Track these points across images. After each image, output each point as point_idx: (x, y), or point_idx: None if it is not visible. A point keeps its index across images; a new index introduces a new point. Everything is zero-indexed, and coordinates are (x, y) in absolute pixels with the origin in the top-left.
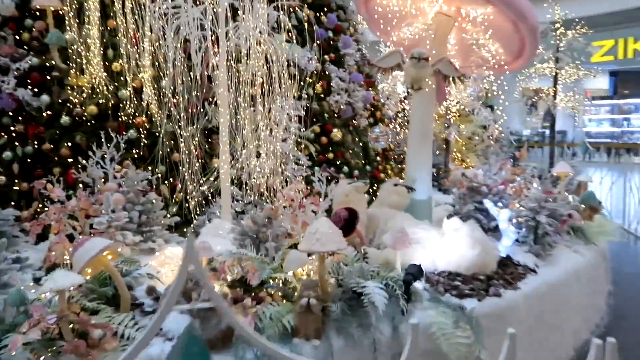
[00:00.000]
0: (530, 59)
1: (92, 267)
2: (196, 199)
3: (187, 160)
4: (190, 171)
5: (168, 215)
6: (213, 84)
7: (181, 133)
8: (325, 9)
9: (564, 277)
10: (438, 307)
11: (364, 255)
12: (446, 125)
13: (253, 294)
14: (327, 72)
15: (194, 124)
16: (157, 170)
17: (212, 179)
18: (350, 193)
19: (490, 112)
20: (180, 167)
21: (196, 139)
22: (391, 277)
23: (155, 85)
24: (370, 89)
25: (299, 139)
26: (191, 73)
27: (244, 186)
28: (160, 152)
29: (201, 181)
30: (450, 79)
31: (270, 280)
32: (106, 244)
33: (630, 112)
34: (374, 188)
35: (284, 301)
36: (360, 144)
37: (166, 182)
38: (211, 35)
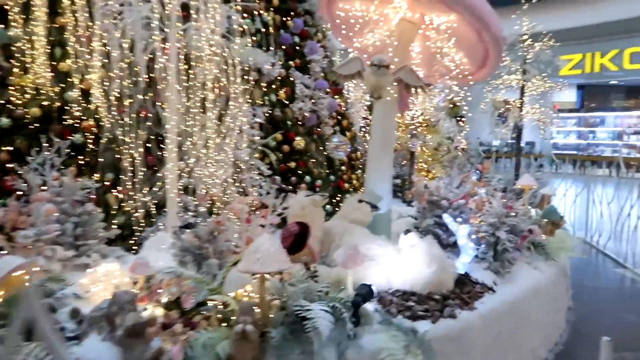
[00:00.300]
0: (494, 69)
1: (2, 288)
2: (142, 210)
3: (131, 167)
4: (134, 179)
5: (114, 227)
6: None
7: (124, 139)
8: (292, 13)
9: (523, 295)
10: (389, 330)
11: (313, 274)
12: (410, 135)
13: (188, 318)
14: (291, 79)
15: (142, 129)
16: (104, 177)
17: (158, 188)
18: (307, 206)
19: (454, 123)
20: (124, 176)
21: (146, 144)
22: (340, 298)
23: (106, 87)
24: (336, 96)
25: (259, 147)
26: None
27: (193, 197)
28: (106, 159)
29: (144, 190)
30: (413, 88)
31: (209, 302)
32: (18, 263)
33: (595, 125)
34: (338, 199)
35: (222, 326)
36: (325, 153)
37: (113, 190)
38: (161, 36)
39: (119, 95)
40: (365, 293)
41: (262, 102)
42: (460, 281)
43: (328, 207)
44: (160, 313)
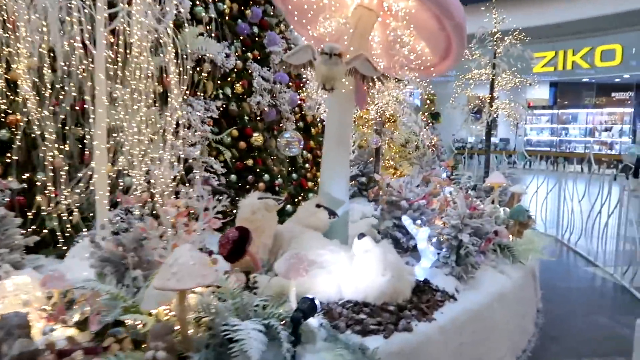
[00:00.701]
0: (457, 61)
1: None
2: (66, 213)
3: (61, 166)
4: (62, 180)
5: (43, 231)
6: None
7: (52, 135)
8: (251, 2)
9: (487, 301)
10: (335, 348)
11: (252, 285)
12: (376, 129)
13: (98, 341)
14: (249, 71)
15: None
16: (35, 178)
17: (87, 188)
18: (258, 210)
19: (418, 118)
20: (54, 175)
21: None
22: (278, 314)
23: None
24: (299, 90)
25: (213, 144)
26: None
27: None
28: (36, 157)
29: (76, 191)
30: (369, 79)
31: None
32: None
33: (568, 122)
34: (300, 198)
35: (136, 350)
36: None
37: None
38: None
39: (50, 87)
40: (306, 308)
41: (215, 95)
42: (419, 289)
43: (289, 207)
44: (72, 334)
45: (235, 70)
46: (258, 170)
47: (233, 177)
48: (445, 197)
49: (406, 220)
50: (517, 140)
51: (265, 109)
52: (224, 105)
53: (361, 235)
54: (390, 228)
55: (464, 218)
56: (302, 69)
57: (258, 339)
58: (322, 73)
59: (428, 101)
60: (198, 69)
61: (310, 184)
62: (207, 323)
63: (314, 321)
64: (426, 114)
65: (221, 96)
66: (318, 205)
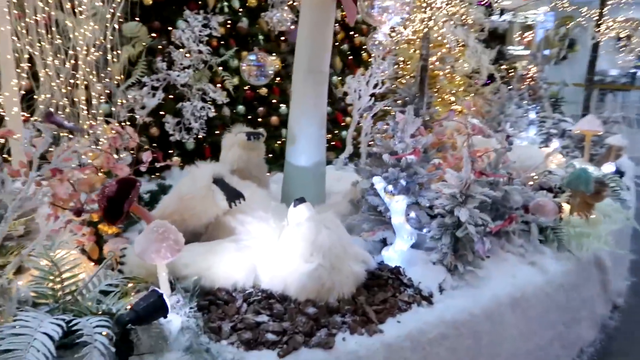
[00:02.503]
0: None
1: None
2: None
3: None
4: None
5: None
6: None
7: None
8: None
9: (487, 308)
10: None
11: (119, 262)
12: (423, 53)
13: None
14: None
15: None
16: None
17: None
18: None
19: (483, 48)
20: None
21: None
22: (107, 311)
23: None
24: None
25: (214, 68)
26: None
27: None
28: None
29: None
30: None
31: None
32: None
33: None
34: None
35: None
36: None
37: None
38: None
39: None
40: (142, 309)
41: (220, 9)
42: (378, 282)
43: None
44: None
45: None
46: (274, 101)
47: (240, 108)
48: (454, 154)
49: (378, 184)
50: None
51: (291, 26)
52: (231, 22)
53: (298, 201)
54: (367, 191)
55: (466, 185)
56: None
57: (41, 349)
58: None
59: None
60: None
61: (348, 119)
62: None
63: (177, 321)
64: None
65: (226, 10)
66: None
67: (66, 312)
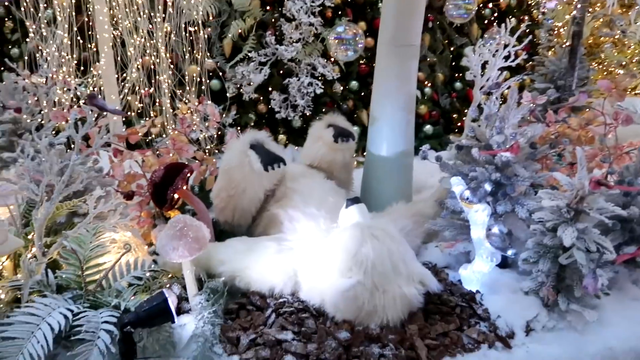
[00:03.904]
0: None
1: None
2: None
3: None
4: None
5: None
6: None
7: None
8: None
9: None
10: None
11: (152, 252)
12: (577, 15)
13: None
14: None
15: None
16: None
17: None
18: (241, 164)
19: None
20: None
21: None
22: (113, 309)
23: None
24: None
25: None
26: None
27: None
28: None
29: None
30: None
31: None
32: None
33: None
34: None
35: None
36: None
37: None
38: None
39: None
40: (144, 312)
41: None
42: (444, 309)
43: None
44: None
45: None
46: None
47: (353, 84)
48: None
49: (456, 186)
50: None
51: None
52: None
53: (351, 201)
54: (450, 192)
55: (577, 197)
56: None
57: (41, 341)
58: None
59: None
60: None
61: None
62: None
63: (190, 326)
64: None
65: None
66: (330, 125)
67: (88, 301)
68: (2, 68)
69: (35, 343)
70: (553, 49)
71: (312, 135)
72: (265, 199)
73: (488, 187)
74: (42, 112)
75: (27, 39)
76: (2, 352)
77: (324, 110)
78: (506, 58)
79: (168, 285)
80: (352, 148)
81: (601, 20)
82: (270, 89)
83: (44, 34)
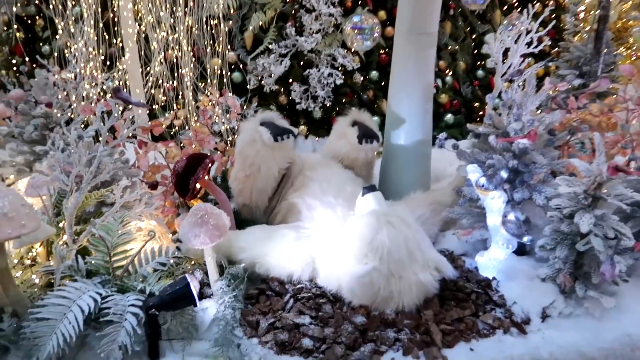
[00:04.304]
0: None
1: None
2: None
3: None
4: None
5: None
6: None
7: None
8: None
9: (601, 349)
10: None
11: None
12: (601, 0)
13: None
14: None
15: None
16: None
17: None
18: (253, 142)
19: None
20: None
21: None
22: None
23: None
24: None
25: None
26: None
27: None
28: None
29: None
30: None
31: None
32: None
33: None
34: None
35: None
36: None
37: None
38: None
39: None
40: (167, 295)
41: None
42: (460, 295)
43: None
44: None
45: None
46: None
47: (374, 74)
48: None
49: (472, 174)
50: None
51: None
52: None
53: (367, 189)
54: (467, 179)
55: (595, 183)
56: None
57: (72, 322)
58: None
59: None
60: None
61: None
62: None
63: (212, 310)
64: None
65: None
66: (355, 123)
67: (115, 286)
68: (34, 65)
69: (67, 324)
70: (579, 35)
71: (336, 131)
72: (283, 187)
73: (504, 174)
74: (71, 106)
75: (57, 36)
76: (36, 332)
77: (344, 100)
78: (528, 44)
79: (191, 271)
80: (375, 148)
81: (630, 3)
82: (290, 80)
83: (72, 30)
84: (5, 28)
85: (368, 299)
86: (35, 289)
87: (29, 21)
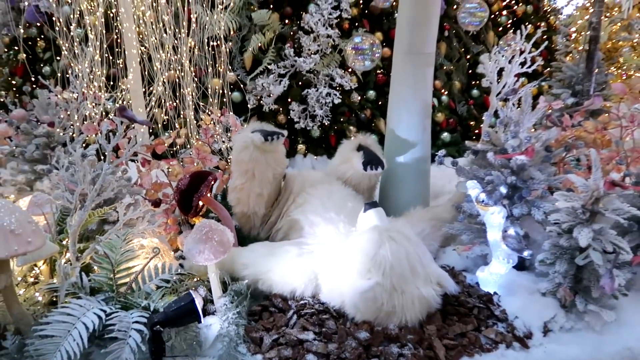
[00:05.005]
0: None
1: None
2: None
3: None
4: None
5: None
6: None
7: None
8: None
9: None
10: None
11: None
12: (593, 21)
13: None
14: None
15: None
16: None
17: None
18: (245, 148)
19: None
20: None
21: None
22: (137, 307)
23: None
24: None
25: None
26: None
27: None
28: None
29: None
30: None
31: None
32: None
33: None
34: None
35: None
36: None
37: None
38: None
39: None
40: (172, 311)
41: None
42: (462, 310)
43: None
44: None
45: None
46: None
47: (371, 93)
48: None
49: (471, 189)
50: None
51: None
52: (362, 1)
53: (369, 205)
54: (466, 195)
55: (592, 198)
56: None
57: (76, 339)
58: None
59: None
60: None
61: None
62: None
63: (216, 326)
64: None
65: None
66: (360, 148)
67: (119, 303)
68: (36, 85)
69: (71, 341)
70: (571, 55)
71: (341, 154)
72: (285, 203)
73: (503, 189)
74: (73, 125)
75: (59, 57)
76: (41, 349)
77: (342, 119)
78: (522, 64)
79: (194, 288)
80: (380, 174)
81: (619, 24)
82: (289, 99)
83: (76, 51)
84: (5, 50)
85: (371, 314)
86: (38, 307)
87: (30, 42)
